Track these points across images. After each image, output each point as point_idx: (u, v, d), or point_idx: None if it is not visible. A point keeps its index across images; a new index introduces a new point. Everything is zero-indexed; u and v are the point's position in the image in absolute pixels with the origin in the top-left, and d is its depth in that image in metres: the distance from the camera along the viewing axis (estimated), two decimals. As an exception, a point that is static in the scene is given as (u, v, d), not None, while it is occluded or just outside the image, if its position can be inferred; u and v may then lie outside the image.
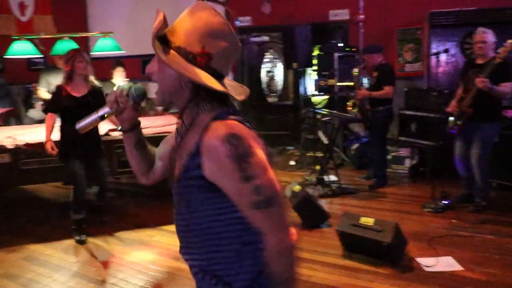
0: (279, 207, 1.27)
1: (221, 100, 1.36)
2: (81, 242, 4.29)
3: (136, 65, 9.08)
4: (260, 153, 1.27)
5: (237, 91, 1.44)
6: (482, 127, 4.69)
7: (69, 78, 4.13)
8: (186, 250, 1.46)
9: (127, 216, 5.02)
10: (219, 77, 1.35)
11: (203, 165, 1.28)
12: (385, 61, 5.88)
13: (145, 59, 9.12)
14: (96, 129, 4.20)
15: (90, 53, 7.44)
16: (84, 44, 8.79)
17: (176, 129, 1.46)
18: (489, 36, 4.69)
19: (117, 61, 6.47)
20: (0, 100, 8.51)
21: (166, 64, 1.30)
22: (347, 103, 6.03)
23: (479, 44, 4.69)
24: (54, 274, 3.68)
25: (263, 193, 1.24)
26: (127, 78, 6.31)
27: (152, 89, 6.05)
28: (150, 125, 5.44)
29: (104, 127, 5.06)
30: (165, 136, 5.00)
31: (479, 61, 4.75)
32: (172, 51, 1.32)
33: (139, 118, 1.54)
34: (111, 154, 4.96)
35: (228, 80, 1.45)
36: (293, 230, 1.29)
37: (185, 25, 1.33)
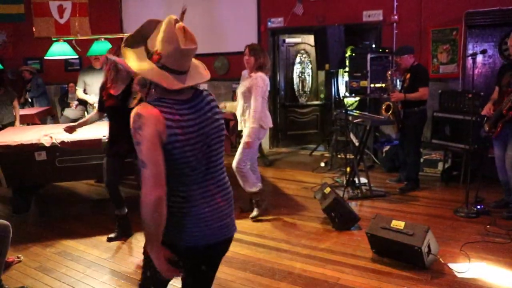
0: (148, 170, 1.75)
1: (166, 89, 1.84)
2: (108, 239, 4.38)
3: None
4: (149, 131, 1.76)
5: (191, 80, 1.89)
6: None
7: (115, 78, 4.11)
8: None
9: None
10: (173, 72, 1.85)
11: None
12: (417, 62, 5.79)
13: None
14: None
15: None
16: (119, 45, 8.99)
17: None
18: None
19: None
20: (38, 98, 8.79)
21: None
22: (383, 106, 5.96)
23: None
24: (86, 270, 3.76)
25: (142, 156, 1.77)
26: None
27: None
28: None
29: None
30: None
31: None
32: (140, 47, 1.91)
33: None
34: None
35: (196, 71, 1.95)
36: (159, 191, 1.76)
37: (155, 32, 1.87)
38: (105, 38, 5.68)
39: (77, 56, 6.39)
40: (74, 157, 4.83)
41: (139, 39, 1.91)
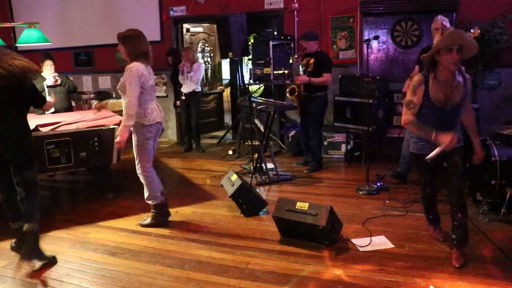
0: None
1: None
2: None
3: (67, 58, 8.76)
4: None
5: None
6: None
7: None
8: None
9: (61, 213, 4.85)
10: None
11: None
12: (319, 49, 6.01)
13: (77, 52, 8.81)
14: None
15: (15, 45, 7.09)
16: (8, 35, 8.37)
17: None
18: (447, 23, 4.85)
19: (46, 54, 6.18)
20: None
21: None
22: (287, 89, 6.14)
23: (438, 30, 4.81)
24: (-19, 279, 3.49)
25: None
26: (57, 71, 6.06)
27: (86, 82, 5.99)
28: (81, 119, 5.27)
29: (32, 122, 4.84)
30: (98, 129, 4.99)
31: None
32: None
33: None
34: (42, 150, 4.75)
35: None
36: None
37: None
38: (-10, 28, 5.26)
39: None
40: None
41: None
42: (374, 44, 6.77)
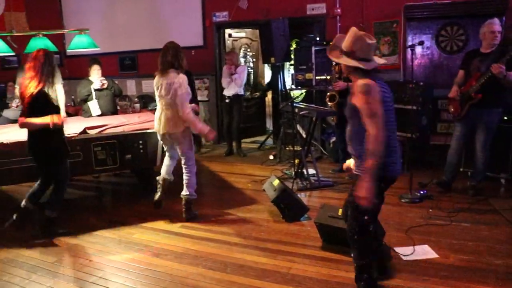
0: (379, 118, 2.69)
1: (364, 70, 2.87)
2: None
3: (113, 63, 9.00)
4: (376, 94, 2.73)
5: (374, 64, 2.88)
6: (487, 113, 4.76)
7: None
8: None
9: (107, 214, 4.98)
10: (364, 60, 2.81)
11: None
12: None
13: (122, 56, 9.04)
14: None
15: (66, 50, 7.35)
16: (60, 41, 8.68)
17: None
18: (500, 27, 4.78)
19: (93, 59, 6.39)
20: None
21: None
22: (327, 96, 6.12)
23: (495, 33, 4.74)
24: (32, 275, 3.61)
25: (372, 110, 2.70)
26: (104, 75, 6.25)
27: (130, 86, 6.11)
28: (127, 122, 5.40)
29: (80, 124, 5.02)
30: (143, 133, 5.11)
31: (484, 50, 4.83)
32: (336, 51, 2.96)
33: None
34: (89, 152, 4.91)
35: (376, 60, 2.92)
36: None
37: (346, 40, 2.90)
38: (44, 34, 5.46)
39: (13, 53, 6.09)
40: (15, 160, 4.58)
41: (335, 47, 2.94)
42: (418, 49, 6.68)
